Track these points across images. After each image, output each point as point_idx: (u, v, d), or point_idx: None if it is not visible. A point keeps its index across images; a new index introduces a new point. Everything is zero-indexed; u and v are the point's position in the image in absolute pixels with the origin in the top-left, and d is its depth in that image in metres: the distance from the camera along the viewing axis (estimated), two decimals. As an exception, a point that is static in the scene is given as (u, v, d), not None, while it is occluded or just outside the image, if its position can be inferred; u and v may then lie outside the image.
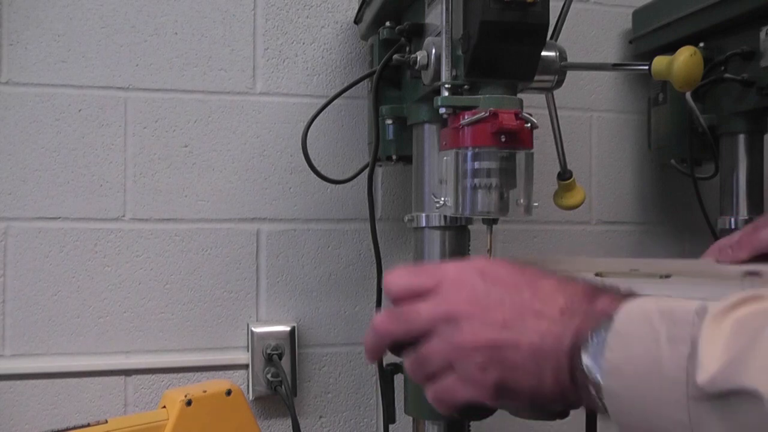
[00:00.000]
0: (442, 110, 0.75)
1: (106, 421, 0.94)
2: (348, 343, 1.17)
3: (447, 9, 0.75)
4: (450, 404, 0.50)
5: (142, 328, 1.10)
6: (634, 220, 1.31)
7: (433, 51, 0.78)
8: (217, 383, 1.03)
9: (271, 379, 1.10)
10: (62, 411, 1.06)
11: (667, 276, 0.70)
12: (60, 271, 1.07)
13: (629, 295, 0.46)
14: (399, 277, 0.53)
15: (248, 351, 1.12)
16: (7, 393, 1.05)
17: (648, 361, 0.41)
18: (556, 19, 0.86)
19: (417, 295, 0.51)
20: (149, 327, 1.10)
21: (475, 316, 0.48)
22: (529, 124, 0.73)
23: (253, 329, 1.11)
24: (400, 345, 0.53)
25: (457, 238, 0.90)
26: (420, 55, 0.80)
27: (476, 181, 0.73)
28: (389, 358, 0.99)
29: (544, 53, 0.78)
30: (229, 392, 0.99)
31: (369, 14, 1.04)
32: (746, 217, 1.13)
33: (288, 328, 1.12)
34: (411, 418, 0.93)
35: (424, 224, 0.90)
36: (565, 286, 0.48)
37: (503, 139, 0.72)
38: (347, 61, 1.18)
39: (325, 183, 1.10)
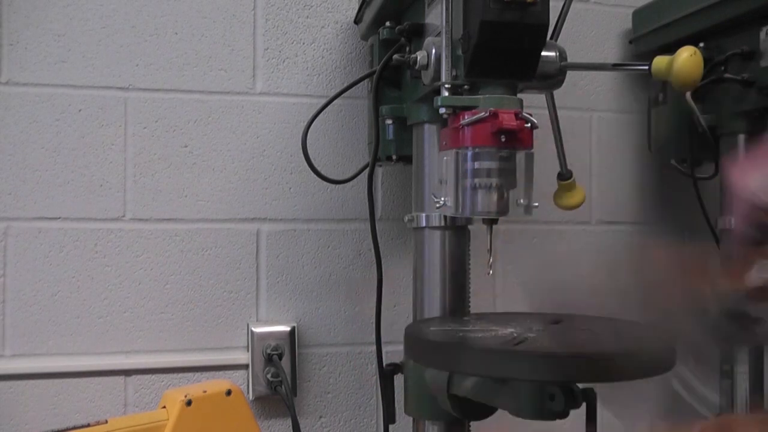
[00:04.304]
0: (442, 110, 0.75)
1: (106, 421, 0.93)
2: (348, 343, 1.17)
3: (447, 9, 0.75)
4: None
5: (142, 328, 1.10)
6: (634, 220, 1.31)
7: (433, 51, 0.78)
8: (217, 383, 1.02)
9: (271, 379, 1.10)
10: (62, 411, 1.06)
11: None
12: (60, 271, 1.07)
13: None
14: None
15: (248, 351, 1.12)
16: (7, 393, 1.05)
17: None
18: (556, 19, 0.86)
19: None
20: (149, 327, 1.10)
21: None
22: (529, 124, 0.73)
23: (253, 329, 1.11)
24: None
25: (457, 238, 0.90)
26: (420, 55, 0.80)
27: (476, 181, 0.73)
28: (389, 357, 0.99)
29: (544, 53, 0.77)
30: (229, 392, 0.99)
31: (369, 14, 1.04)
32: (746, 217, 1.12)
33: (288, 328, 1.12)
34: (411, 418, 0.93)
35: (424, 224, 0.90)
36: None
37: (503, 139, 0.72)
38: (347, 61, 1.18)
39: (325, 183, 1.10)
